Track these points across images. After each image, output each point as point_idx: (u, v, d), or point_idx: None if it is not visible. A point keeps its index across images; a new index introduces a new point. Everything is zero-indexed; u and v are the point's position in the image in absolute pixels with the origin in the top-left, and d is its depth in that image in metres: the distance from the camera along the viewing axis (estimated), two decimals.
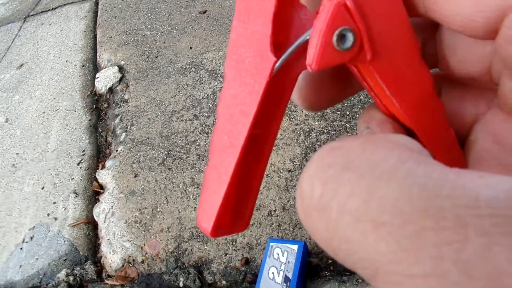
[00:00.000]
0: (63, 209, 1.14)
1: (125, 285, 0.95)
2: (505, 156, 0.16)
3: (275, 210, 0.96)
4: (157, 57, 1.52)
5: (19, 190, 1.25)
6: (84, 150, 1.29)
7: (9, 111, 1.55)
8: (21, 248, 1.10)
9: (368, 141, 0.12)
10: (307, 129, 1.10)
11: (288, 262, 0.80)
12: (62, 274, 1.00)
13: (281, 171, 1.03)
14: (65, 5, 2.07)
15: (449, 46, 0.17)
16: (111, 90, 1.47)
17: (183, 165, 1.13)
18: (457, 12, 0.14)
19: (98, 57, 1.65)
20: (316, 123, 1.11)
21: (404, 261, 0.09)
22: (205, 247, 0.95)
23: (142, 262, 0.98)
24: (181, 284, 0.91)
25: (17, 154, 1.37)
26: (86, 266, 1.01)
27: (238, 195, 0.18)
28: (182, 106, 1.30)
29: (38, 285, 1.01)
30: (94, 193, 1.17)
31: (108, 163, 1.22)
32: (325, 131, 1.08)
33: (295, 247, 0.81)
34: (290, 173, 1.02)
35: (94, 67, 1.61)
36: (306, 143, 1.07)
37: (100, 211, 1.11)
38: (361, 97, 1.13)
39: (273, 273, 0.79)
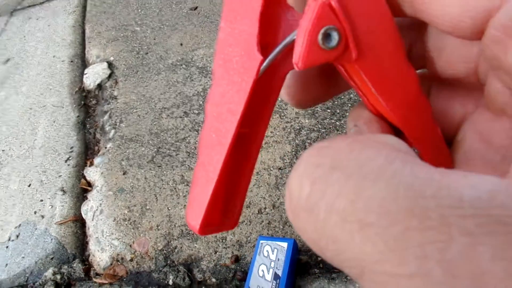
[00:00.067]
0: (50, 206, 1.13)
1: (114, 283, 0.94)
2: (492, 155, 0.16)
3: (265, 208, 0.96)
4: (147, 53, 1.50)
5: (4, 188, 1.23)
6: (72, 147, 1.27)
7: None
8: (7, 247, 1.08)
9: (356, 141, 0.12)
10: (298, 127, 1.10)
11: (278, 259, 0.80)
12: (49, 273, 0.98)
13: (271, 169, 1.03)
14: None
15: (437, 47, 0.17)
16: (100, 86, 1.45)
17: (173, 162, 1.12)
18: (444, 12, 0.14)
19: (86, 52, 1.62)
20: (307, 121, 1.11)
21: (389, 261, 0.09)
22: (195, 245, 0.95)
23: (131, 260, 0.97)
24: (170, 282, 0.91)
25: (2, 150, 1.34)
26: (74, 265, 0.99)
27: (226, 193, 0.18)
28: (172, 103, 1.29)
29: (24, 283, 1.00)
30: (82, 191, 1.16)
31: (97, 160, 1.21)
32: (315, 129, 1.09)
33: (284, 244, 0.82)
34: (280, 171, 1.02)
35: (83, 63, 1.59)
36: (297, 141, 1.07)
37: (88, 209, 1.10)
38: (351, 95, 1.14)
39: (263, 270, 0.79)
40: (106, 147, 1.23)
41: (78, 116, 1.37)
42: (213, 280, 0.89)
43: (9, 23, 1.98)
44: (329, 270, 0.84)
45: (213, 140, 0.16)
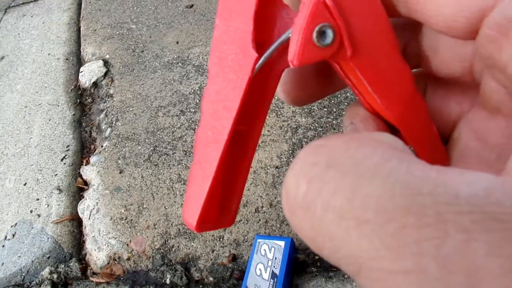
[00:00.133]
0: (46, 205, 1.12)
1: (111, 282, 0.94)
2: (487, 153, 0.16)
3: (262, 207, 0.96)
4: (143, 51, 1.50)
5: (0, 186, 1.22)
6: (68, 146, 1.27)
7: None
8: (3, 246, 1.08)
9: (352, 139, 0.12)
10: (294, 126, 1.10)
11: (275, 258, 0.80)
12: (45, 272, 0.98)
13: (268, 167, 1.03)
14: None
15: (431, 47, 0.17)
16: (95, 84, 1.44)
17: (170, 161, 1.12)
18: (439, 12, 0.14)
19: (82, 50, 1.61)
20: (303, 119, 1.11)
21: (386, 257, 0.10)
22: (192, 243, 0.95)
23: (128, 259, 0.97)
24: (167, 281, 0.91)
25: None
26: (71, 264, 0.99)
27: (223, 190, 0.18)
28: (168, 102, 1.28)
29: (21, 283, 0.99)
30: (78, 190, 1.15)
31: (93, 159, 1.20)
32: (312, 127, 1.09)
33: (282, 243, 0.82)
34: (277, 169, 1.02)
35: (78, 60, 1.58)
36: (293, 140, 1.07)
37: (84, 208, 1.09)
38: (348, 94, 1.14)
39: (260, 269, 0.79)
40: (102, 146, 1.23)
41: (74, 115, 1.36)
42: (211, 279, 0.89)
43: (3, 20, 1.97)
44: (327, 269, 0.84)
45: (209, 137, 0.16)
